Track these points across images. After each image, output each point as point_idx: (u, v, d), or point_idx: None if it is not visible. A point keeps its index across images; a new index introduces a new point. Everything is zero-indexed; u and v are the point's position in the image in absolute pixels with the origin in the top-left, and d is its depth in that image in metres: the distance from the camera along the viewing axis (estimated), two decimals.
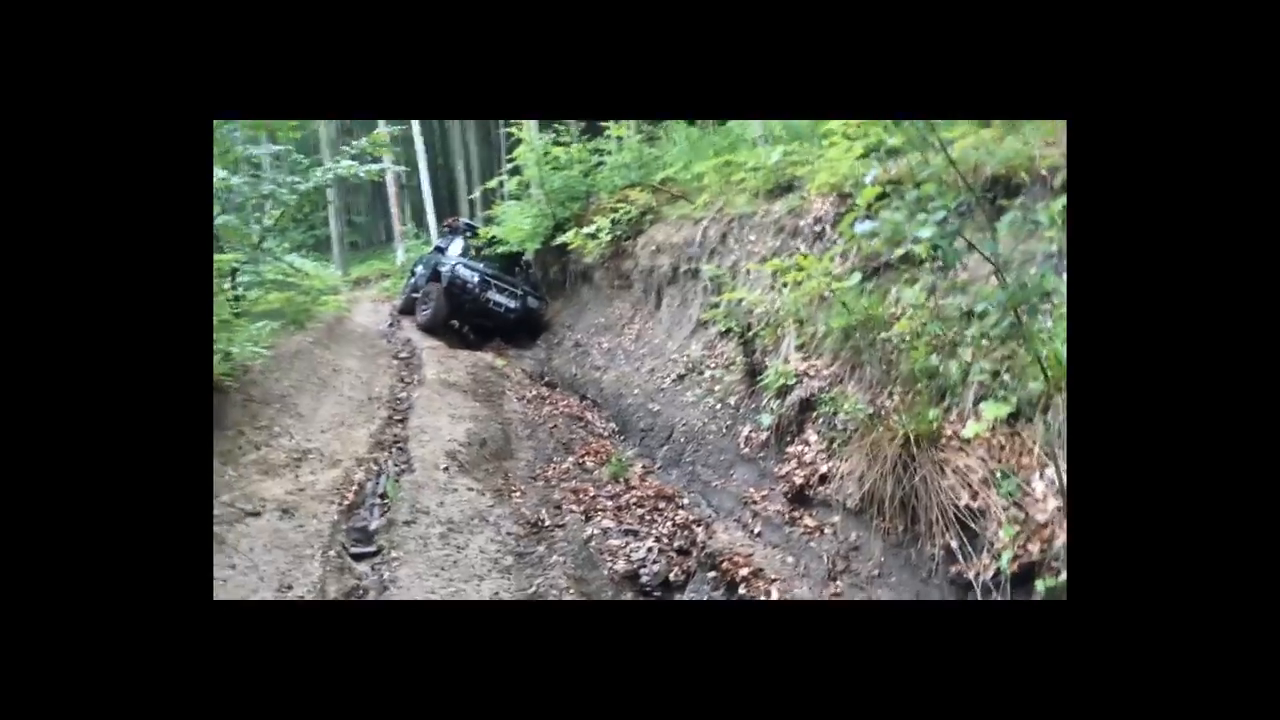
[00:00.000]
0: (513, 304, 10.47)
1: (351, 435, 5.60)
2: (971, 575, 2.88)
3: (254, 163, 7.73)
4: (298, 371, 7.00)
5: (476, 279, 10.19)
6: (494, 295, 10.32)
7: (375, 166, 8.62)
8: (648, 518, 4.74)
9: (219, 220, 6.42)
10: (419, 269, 12.11)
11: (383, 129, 10.87)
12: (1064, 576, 2.51)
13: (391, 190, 21.64)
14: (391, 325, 11.15)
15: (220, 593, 3.20)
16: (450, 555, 3.79)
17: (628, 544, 4.29)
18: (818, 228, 5.32)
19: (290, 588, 3.24)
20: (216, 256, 5.82)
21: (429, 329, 10.21)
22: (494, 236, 11.16)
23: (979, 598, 2.85)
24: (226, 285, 5.95)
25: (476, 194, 17.68)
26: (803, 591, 3.44)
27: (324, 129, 20.63)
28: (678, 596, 3.93)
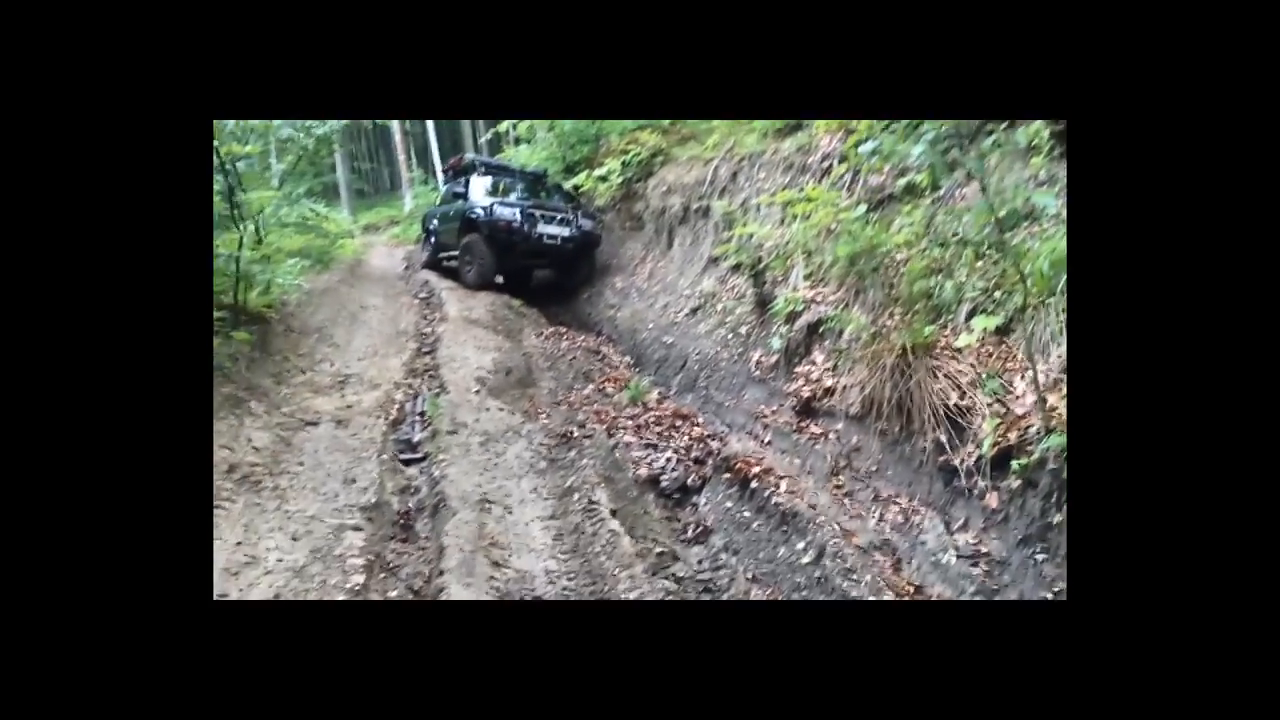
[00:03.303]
0: (567, 232, 9.01)
1: (386, 363, 5.99)
2: (957, 462, 3.28)
3: None
4: (328, 307, 7.39)
5: (519, 214, 8.80)
6: (545, 228, 8.86)
7: None
8: (666, 434, 5.15)
9: (241, 165, 6.69)
10: (434, 223, 10.77)
11: None
12: (1036, 455, 2.90)
13: (397, 137, 21.72)
14: (408, 268, 11.47)
15: (293, 484, 3.63)
16: (491, 459, 4.20)
17: (649, 455, 4.70)
18: (825, 164, 5.61)
19: (355, 480, 3.66)
20: (245, 197, 6.15)
21: (480, 287, 9.05)
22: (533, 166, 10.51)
23: (963, 482, 3.26)
24: (252, 227, 6.23)
25: (484, 138, 17.78)
26: (808, 485, 3.84)
27: None
28: (695, 499, 4.35)
